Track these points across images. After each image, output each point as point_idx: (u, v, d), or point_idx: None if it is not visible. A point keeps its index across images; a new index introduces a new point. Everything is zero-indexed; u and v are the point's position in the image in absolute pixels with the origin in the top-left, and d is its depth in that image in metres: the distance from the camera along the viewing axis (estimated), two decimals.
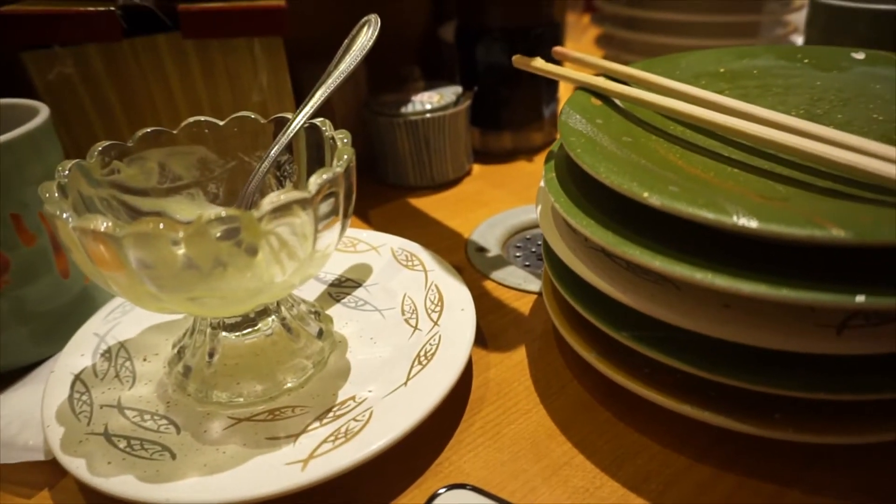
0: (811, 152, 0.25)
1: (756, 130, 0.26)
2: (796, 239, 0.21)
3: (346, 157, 0.27)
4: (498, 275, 0.41)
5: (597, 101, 0.33)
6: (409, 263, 0.38)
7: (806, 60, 0.36)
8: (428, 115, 0.50)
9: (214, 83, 0.42)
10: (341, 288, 0.38)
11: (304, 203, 0.24)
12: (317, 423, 0.28)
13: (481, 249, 0.44)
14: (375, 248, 0.40)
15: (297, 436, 0.27)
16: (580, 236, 0.30)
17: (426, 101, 0.51)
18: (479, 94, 0.56)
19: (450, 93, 0.52)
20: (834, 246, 0.21)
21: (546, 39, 0.54)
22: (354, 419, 0.28)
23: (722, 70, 0.36)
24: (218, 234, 0.24)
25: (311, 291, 0.38)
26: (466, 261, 0.43)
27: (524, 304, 0.38)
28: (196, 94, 0.43)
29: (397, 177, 0.54)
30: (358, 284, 0.38)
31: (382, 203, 0.52)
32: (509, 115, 0.57)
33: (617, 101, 0.33)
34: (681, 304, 0.26)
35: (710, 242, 0.24)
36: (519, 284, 0.40)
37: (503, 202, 0.50)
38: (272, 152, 0.31)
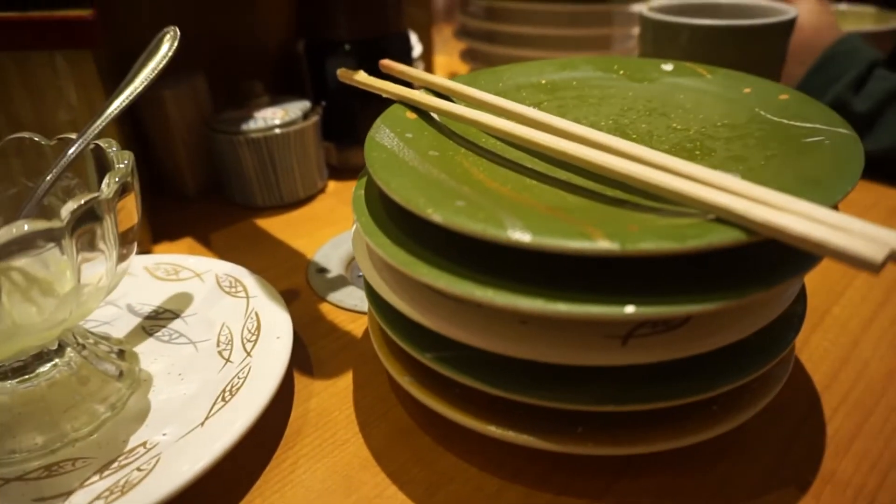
0: (591, 161, 0.25)
1: (542, 140, 0.26)
2: (568, 251, 0.21)
3: (117, 179, 0.25)
4: (335, 296, 0.39)
5: (412, 115, 0.32)
6: (233, 290, 0.36)
7: (622, 72, 0.37)
8: (272, 132, 0.48)
9: (10, 99, 0.38)
10: (157, 320, 0.35)
11: (50, 235, 0.22)
12: (96, 477, 0.25)
13: (322, 270, 0.42)
14: (199, 274, 0.37)
15: (68, 494, 0.24)
16: None
17: (270, 118, 0.49)
18: (333, 109, 0.54)
19: (296, 108, 0.51)
20: (604, 257, 0.21)
21: (394, 51, 0.53)
22: (138, 469, 0.25)
23: (543, 81, 0.37)
24: None
25: (122, 326, 0.35)
26: (306, 283, 0.41)
27: (359, 327, 0.37)
28: None
29: (244, 197, 0.51)
30: (176, 315, 0.35)
31: (226, 225, 0.49)
32: (365, 130, 0.55)
33: (434, 115, 0.33)
34: (479, 322, 0.25)
35: (532, 260, 0.23)
36: (355, 306, 0.38)
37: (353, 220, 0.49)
38: (49, 177, 0.28)
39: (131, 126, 0.50)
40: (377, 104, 0.57)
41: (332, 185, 0.55)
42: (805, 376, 0.32)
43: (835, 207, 0.22)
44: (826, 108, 0.29)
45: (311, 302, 0.39)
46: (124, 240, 0.26)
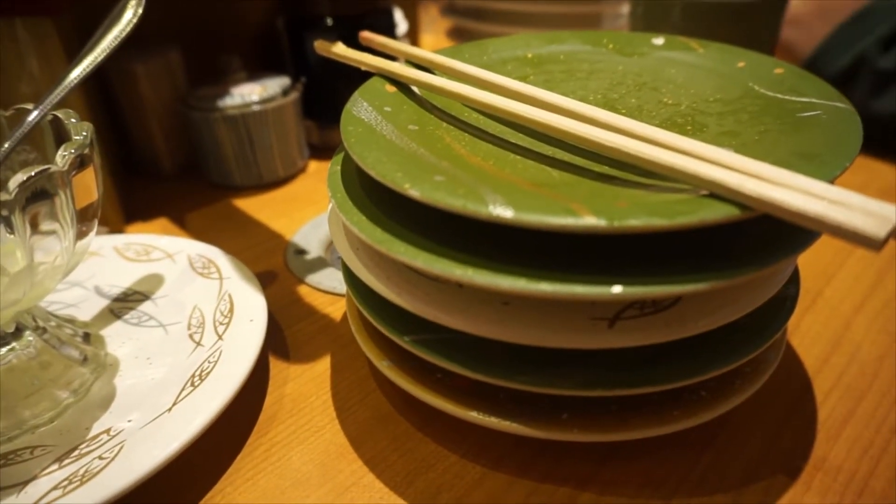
0: (577, 134, 0.23)
1: (527, 113, 0.25)
2: (553, 228, 0.20)
3: (73, 151, 0.23)
4: (314, 278, 0.38)
5: (391, 88, 0.31)
6: (205, 271, 0.34)
7: (611, 46, 0.35)
8: (249, 109, 0.47)
9: None
10: (126, 303, 0.34)
11: None
12: (55, 466, 0.24)
13: (301, 252, 0.41)
14: (171, 255, 0.36)
15: (24, 484, 0.23)
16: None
17: (248, 94, 0.47)
18: (314, 87, 0.52)
19: (275, 84, 0.49)
20: (590, 234, 0.20)
21: (377, 28, 0.51)
22: (100, 457, 0.24)
23: (529, 55, 0.35)
24: None
25: (88, 309, 0.33)
26: (284, 265, 0.40)
27: (337, 310, 0.36)
28: None
29: (221, 176, 0.49)
30: (145, 297, 0.34)
31: (203, 205, 0.47)
32: None
33: (414, 89, 0.31)
34: (459, 304, 0.24)
35: (516, 240, 0.22)
36: (334, 288, 0.37)
37: None
38: (3, 150, 0.27)
39: (104, 103, 0.48)
40: (360, 82, 0.55)
41: (314, 165, 0.53)
42: (796, 360, 0.31)
43: (832, 184, 0.21)
44: (822, 82, 0.28)
45: (288, 284, 0.38)
46: (83, 216, 0.24)
